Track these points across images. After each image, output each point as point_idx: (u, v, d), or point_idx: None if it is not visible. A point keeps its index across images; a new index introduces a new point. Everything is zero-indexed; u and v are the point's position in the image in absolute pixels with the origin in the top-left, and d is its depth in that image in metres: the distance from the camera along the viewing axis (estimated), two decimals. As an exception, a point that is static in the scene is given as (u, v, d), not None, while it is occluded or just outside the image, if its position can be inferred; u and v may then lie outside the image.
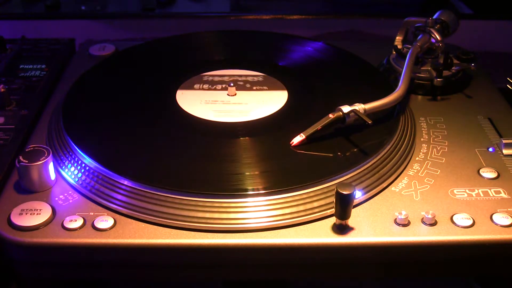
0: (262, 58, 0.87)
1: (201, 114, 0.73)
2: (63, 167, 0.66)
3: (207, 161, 0.65)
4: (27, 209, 0.60)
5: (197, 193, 0.60)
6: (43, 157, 0.62)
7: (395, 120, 0.72)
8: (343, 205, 0.57)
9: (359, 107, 0.68)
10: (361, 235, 0.59)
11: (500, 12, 1.09)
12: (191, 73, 0.82)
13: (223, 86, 0.80)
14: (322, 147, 0.67)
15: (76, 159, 0.65)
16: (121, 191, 0.61)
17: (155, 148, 0.67)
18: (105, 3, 1.15)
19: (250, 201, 0.60)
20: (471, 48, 0.88)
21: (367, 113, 0.68)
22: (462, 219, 0.60)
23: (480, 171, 0.67)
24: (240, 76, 0.83)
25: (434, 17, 0.84)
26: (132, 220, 0.60)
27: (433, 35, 0.80)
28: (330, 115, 0.68)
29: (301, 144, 0.67)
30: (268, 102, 0.76)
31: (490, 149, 0.71)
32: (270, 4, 1.16)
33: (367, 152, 0.66)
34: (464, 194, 0.64)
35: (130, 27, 1.08)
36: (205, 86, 0.80)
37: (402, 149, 0.68)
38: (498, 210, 0.62)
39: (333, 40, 0.98)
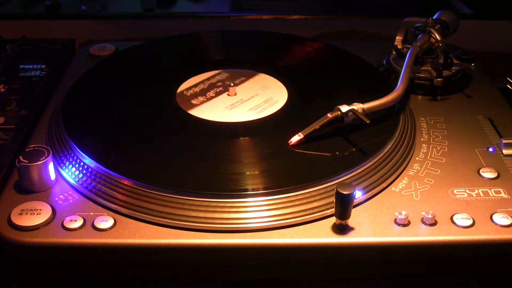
0: (262, 58, 0.87)
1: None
2: (63, 167, 0.66)
3: (207, 161, 0.65)
4: (27, 209, 0.60)
5: (197, 193, 0.60)
6: (43, 157, 0.62)
7: (395, 120, 0.72)
8: (343, 205, 0.57)
9: (357, 106, 0.68)
10: (361, 235, 0.59)
11: (500, 12, 1.09)
12: (191, 73, 0.82)
13: (223, 86, 0.80)
14: (322, 147, 0.67)
15: (76, 159, 0.65)
16: (121, 191, 0.61)
17: (155, 148, 0.67)
18: (105, 3, 1.15)
19: (250, 201, 0.60)
20: (471, 48, 0.88)
21: (366, 112, 0.68)
22: (462, 219, 0.60)
23: (480, 171, 0.67)
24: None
25: (434, 17, 0.84)
26: (132, 220, 0.60)
27: (433, 35, 0.80)
28: (329, 115, 0.68)
29: (299, 143, 0.67)
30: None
31: (490, 149, 0.71)
32: (270, 4, 1.16)
33: (367, 152, 0.66)
34: (464, 194, 0.64)
35: (130, 27, 1.08)
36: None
37: (402, 149, 0.68)
38: (498, 210, 0.62)
39: (333, 40, 0.98)
